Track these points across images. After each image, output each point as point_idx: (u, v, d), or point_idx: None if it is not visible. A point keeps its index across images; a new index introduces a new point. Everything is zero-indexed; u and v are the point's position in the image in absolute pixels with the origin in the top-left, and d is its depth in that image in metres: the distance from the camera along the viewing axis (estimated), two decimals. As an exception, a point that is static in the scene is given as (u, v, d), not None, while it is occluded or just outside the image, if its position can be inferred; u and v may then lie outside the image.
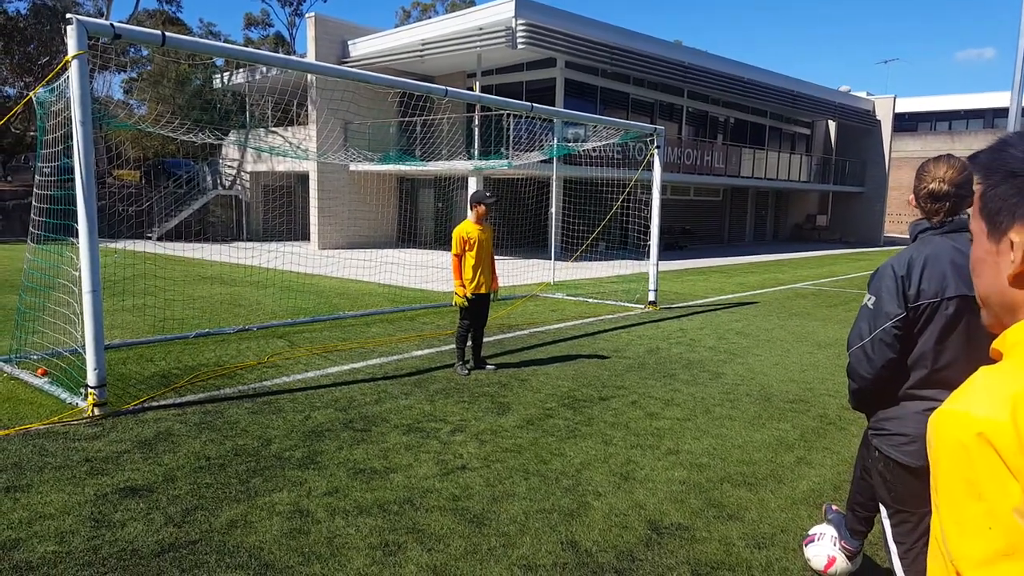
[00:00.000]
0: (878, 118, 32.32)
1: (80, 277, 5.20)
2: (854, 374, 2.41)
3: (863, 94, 33.08)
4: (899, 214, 42.87)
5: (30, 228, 6.28)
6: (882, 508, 2.46)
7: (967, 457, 0.76)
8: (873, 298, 2.34)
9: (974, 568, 0.74)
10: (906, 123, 43.73)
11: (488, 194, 6.54)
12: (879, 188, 32.75)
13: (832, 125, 33.55)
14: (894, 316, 2.27)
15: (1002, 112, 40.78)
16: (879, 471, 2.42)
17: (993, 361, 0.88)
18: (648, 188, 11.33)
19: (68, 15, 5.05)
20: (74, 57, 4.92)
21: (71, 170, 5.10)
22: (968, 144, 41.22)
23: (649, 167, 11.27)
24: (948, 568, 0.77)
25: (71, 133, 5.04)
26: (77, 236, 5.16)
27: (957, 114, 44.65)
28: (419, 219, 23.83)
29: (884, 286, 2.31)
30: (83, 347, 5.25)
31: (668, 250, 23.25)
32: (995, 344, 0.89)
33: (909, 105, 44.05)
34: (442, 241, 23.09)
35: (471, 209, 6.63)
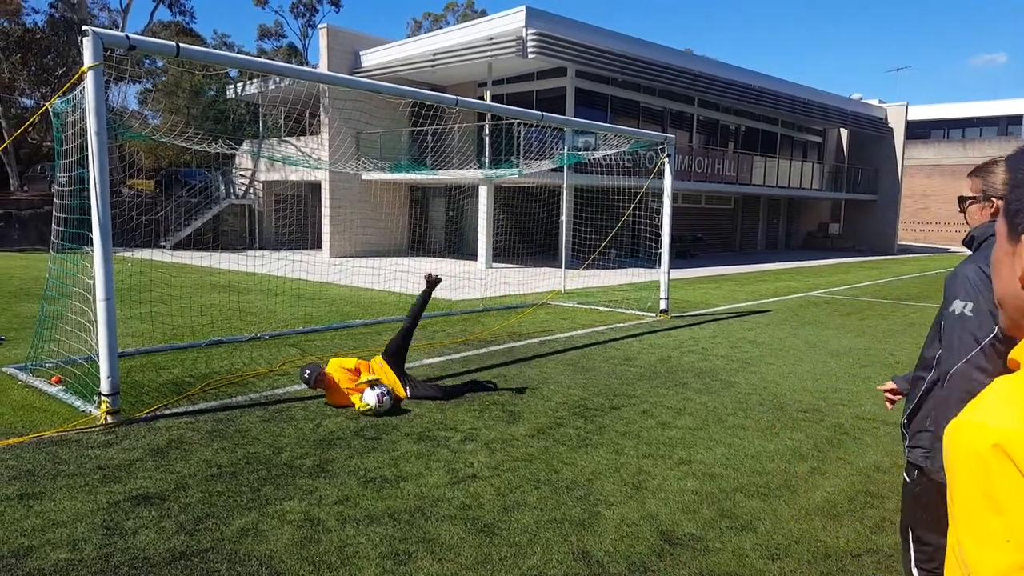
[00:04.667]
0: (890, 126, 32.13)
1: (94, 285, 5.24)
2: (963, 390, 1.99)
3: (875, 102, 32.91)
4: (912, 222, 42.55)
5: (52, 238, 6.35)
6: (910, 532, 2.36)
7: (984, 469, 0.75)
8: (970, 304, 2.05)
9: None
10: (919, 131, 43.41)
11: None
12: (892, 196, 32.54)
13: (844, 133, 33.40)
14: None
15: (1016, 119, 40.55)
16: (925, 487, 2.27)
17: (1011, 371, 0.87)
18: (659, 196, 11.30)
19: (84, 27, 5.11)
20: (90, 68, 4.98)
21: (87, 180, 5.16)
22: (982, 151, 40.86)
23: (660, 175, 11.25)
24: None
25: (87, 143, 5.09)
26: (92, 245, 5.21)
27: (970, 121, 44.31)
28: (430, 228, 23.90)
29: (982, 290, 2.02)
30: (97, 355, 5.28)
31: (679, 258, 23.16)
32: (1012, 354, 0.87)
33: (921, 113, 43.75)
34: (453, 249, 23.16)
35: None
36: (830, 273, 20.36)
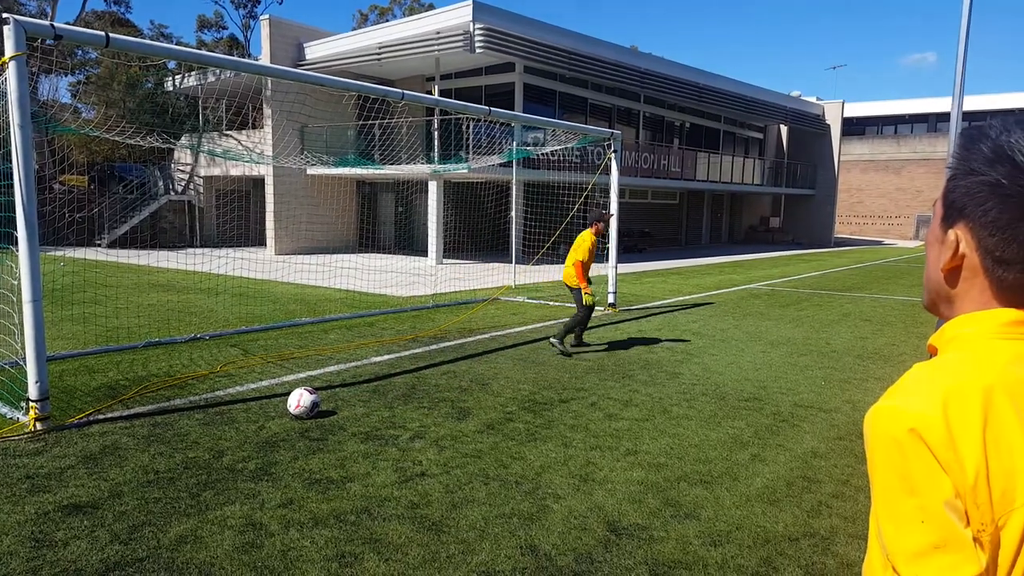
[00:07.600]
0: (827, 122, 33.26)
1: (20, 286, 4.99)
2: None
3: (813, 99, 34.02)
4: (848, 216, 44.17)
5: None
6: None
7: (900, 452, 0.77)
8: None
9: (908, 561, 0.75)
10: (854, 127, 45.09)
11: (604, 211, 7.77)
12: (829, 190, 33.70)
13: (784, 129, 34.41)
14: None
15: (944, 116, 42.40)
16: None
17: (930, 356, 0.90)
18: (606, 191, 11.43)
19: (4, 15, 4.85)
20: (11, 59, 4.73)
21: (10, 175, 4.90)
22: (913, 147, 42.73)
23: (607, 171, 11.38)
24: (884, 561, 0.79)
25: (10, 137, 4.84)
26: (16, 244, 4.96)
27: (902, 118, 46.23)
28: (379, 223, 23.61)
29: None
30: (23, 359, 5.04)
31: (627, 252, 23.51)
32: (932, 340, 0.91)
33: (857, 110, 45.45)
34: (403, 245, 22.93)
35: (593, 224, 7.75)
36: (771, 266, 20.97)
